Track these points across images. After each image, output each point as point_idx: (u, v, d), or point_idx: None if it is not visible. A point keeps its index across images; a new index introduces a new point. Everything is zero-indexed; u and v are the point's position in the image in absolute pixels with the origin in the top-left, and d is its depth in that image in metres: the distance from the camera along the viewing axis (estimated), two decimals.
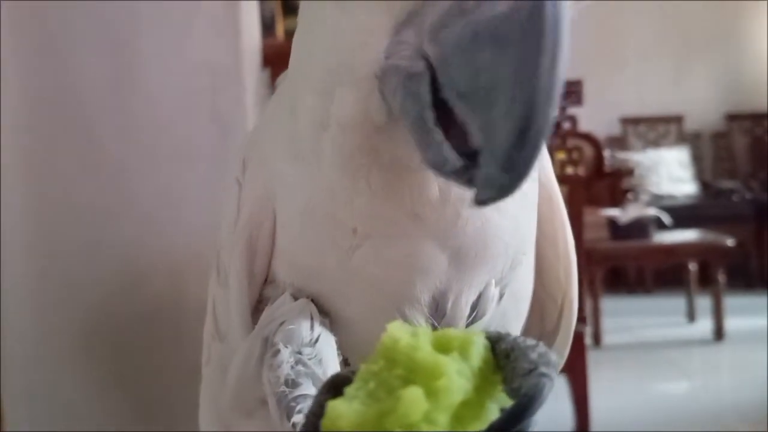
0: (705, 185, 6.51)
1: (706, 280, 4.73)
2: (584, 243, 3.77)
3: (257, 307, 0.83)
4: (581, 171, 2.74)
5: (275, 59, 2.07)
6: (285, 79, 0.80)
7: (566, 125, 3.34)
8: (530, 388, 0.55)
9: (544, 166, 0.88)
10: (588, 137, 5.52)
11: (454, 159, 0.59)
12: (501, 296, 0.82)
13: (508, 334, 0.59)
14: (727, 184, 6.45)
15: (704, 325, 4.64)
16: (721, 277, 4.47)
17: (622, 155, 6.38)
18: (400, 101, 0.61)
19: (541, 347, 0.58)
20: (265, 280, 0.84)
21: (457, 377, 0.55)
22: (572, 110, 3.55)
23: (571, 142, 2.79)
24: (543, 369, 0.56)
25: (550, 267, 0.91)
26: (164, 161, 1.72)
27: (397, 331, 0.58)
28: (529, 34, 0.53)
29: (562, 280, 0.92)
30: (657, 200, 5.74)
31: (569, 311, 0.93)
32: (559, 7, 0.53)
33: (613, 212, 4.62)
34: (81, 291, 1.68)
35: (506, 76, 0.53)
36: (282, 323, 0.77)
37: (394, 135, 0.65)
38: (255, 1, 2.20)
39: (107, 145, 1.70)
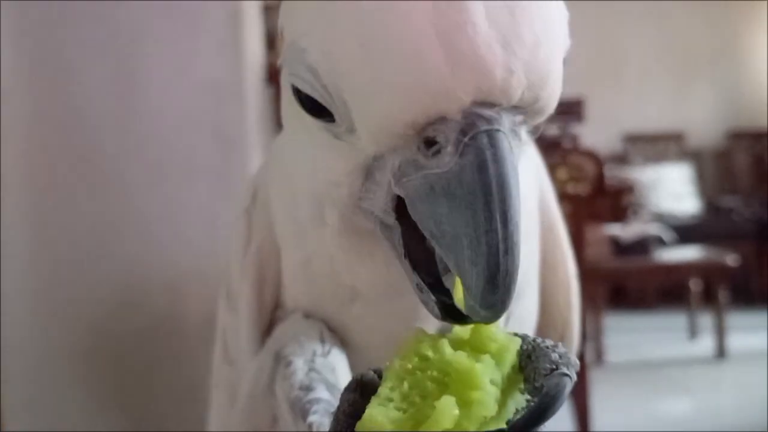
0: (706, 202, 6.51)
1: (708, 298, 4.72)
2: (586, 260, 3.77)
3: (268, 332, 0.85)
4: (583, 189, 2.74)
5: (279, 76, 2.07)
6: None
7: (567, 144, 3.34)
8: (552, 387, 0.56)
9: (545, 196, 0.89)
10: (589, 154, 5.51)
11: (432, 305, 0.61)
12: (506, 323, 0.82)
13: (527, 336, 0.60)
14: (728, 201, 6.45)
15: (706, 343, 4.63)
16: (723, 295, 4.46)
17: (623, 172, 6.38)
18: (379, 235, 0.64)
19: (561, 347, 0.59)
20: (275, 306, 0.85)
21: (491, 388, 0.56)
22: (574, 128, 3.55)
23: (573, 160, 2.79)
24: (564, 369, 0.57)
25: (551, 294, 0.92)
26: (166, 178, 1.72)
27: (424, 333, 0.59)
28: (476, 194, 0.54)
29: (563, 307, 0.93)
30: (658, 217, 5.74)
31: (570, 338, 0.95)
32: (503, 162, 0.54)
33: (614, 229, 4.62)
34: (81, 307, 1.68)
35: (464, 230, 0.55)
36: (293, 337, 0.78)
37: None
38: (258, 17, 2.21)
39: (109, 161, 1.70)
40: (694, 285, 4.87)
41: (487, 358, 0.57)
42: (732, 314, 4.62)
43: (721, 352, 4.44)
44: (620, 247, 4.49)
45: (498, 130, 0.55)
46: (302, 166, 0.69)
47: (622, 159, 6.66)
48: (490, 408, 0.55)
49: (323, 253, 0.74)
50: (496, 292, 0.55)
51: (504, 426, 0.56)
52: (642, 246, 4.50)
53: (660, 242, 4.64)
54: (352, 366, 0.80)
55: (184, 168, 1.71)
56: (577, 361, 0.59)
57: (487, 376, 0.56)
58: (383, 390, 0.57)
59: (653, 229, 4.72)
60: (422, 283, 0.61)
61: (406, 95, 0.55)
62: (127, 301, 1.70)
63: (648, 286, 5.84)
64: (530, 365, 0.58)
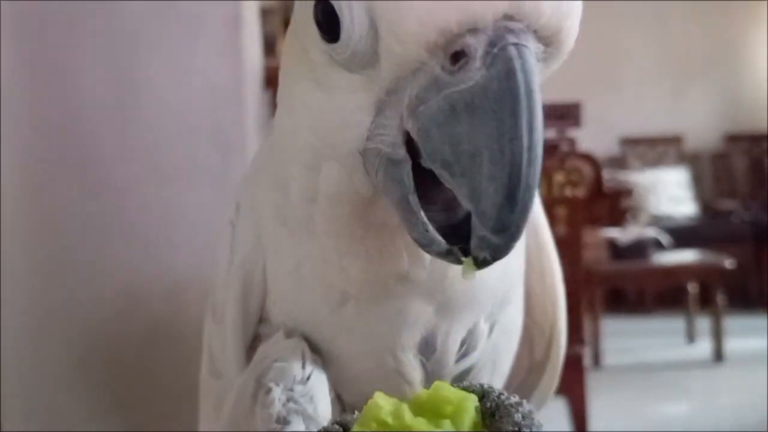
0: (704, 206, 6.52)
1: (705, 301, 4.72)
2: (584, 264, 3.77)
3: (252, 344, 0.85)
4: (580, 192, 2.75)
5: (277, 80, 2.08)
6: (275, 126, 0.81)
7: (565, 147, 3.35)
8: None
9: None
10: (587, 157, 5.53)
11: (439, 241, 0.60)
12: (491, 331, 0.83)
13: (493, 390, 0.59)
14: (726, 204, 6.46)
15: (704, 347, 4.63)
16: (721, 299, 4.46)
17: (621, 175, 6.40)
18: (382, 183, 0.63)
19: (525, 407, 0.58)
20: (260, 319, 0.86)
21: None
22: (571, 132, 3.56)
23: (570, 164, 2.80)
24: (526, 430, 0.56)
25: (538, 299, 0.93)
26: (164, 183, 1.72)
27: (384, 399, 0.58)
28: (504, 102, 0.55)
29: (550, 312, 0.94)
30: (656, 221, 5.75)
31: (557, 342, 0.95)
32: (530, 72, 0.55)
33: (612, 232, 4.63)
34: (79, 311, 1.68)
35: (486, 143, 0.55)
36: (274, 362, 0.78)
37: (384, 203, 0.66)
38: (257, 22, 2.21)
39: (107, 166, 1.70)
40: (692, 288, 4.87)
41: (446, 423, 0.56)
42: (730, 317, 4.63)
43: (718, 356, 4.44)
44: (618, 251, 4.49)
45: (526, 46, 0.56)
46: (303, 121, 0.68)
47: (619, 163, 6.67)
48: None
49: (314, 254, 0.75)
50: (514, 208, 0.55)
51: None
52: (640, 249, 4.50)
53: (658, 245, 4.65)
54: (336, 382, 0.81)
55: (183, 172, 1.71)
56: (541, 423, 0.58)
57: None
58: None
59: (651, 232, 4.72)
60: (427, 222, 0.61)
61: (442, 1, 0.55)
62: (125, 305, 1.69)
63: (646, 290, 5.85)
64: (494, 425, 0.57)
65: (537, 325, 0.94)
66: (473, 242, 0.58)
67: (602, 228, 4.75)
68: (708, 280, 4.63)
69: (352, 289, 0.75)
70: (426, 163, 0.60)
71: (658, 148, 6.79)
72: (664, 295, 5.70)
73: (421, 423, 0.56)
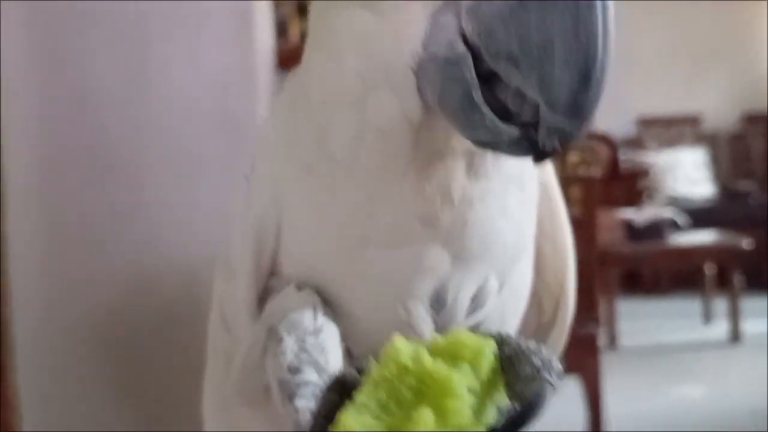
0: (722, 187, 6.46)
1: (722, 283, 4.69)
2: (599, 245, 3.74)
3: (263, 298, 0.86)
4: (595, 172, 2.73)
5: (289, 62, 2.07)
6: (295, 78, 0.82)
7: None
8: (532, 393, 0.57)
9: (545, 168, 0.90)
10: (603, 138, 5.48)
11: (509, 129, 0.62)
12: (501, 288, 0.84)
13: (511, 337, 0.61)
14: (744, 186, 6.39)
15: (720, 328, 4.61)
16: (738, 280, 4.43)
17: (638, 156, 6.34)
18: (439, 90, 0.64)
19: (544, 352, 0.59)
20: (271, 273, 0.87)
21: (468, 396, 0.56)
22: None
23: (585, 143, 2.78)
24: (545, 375, 0.57)
25: (548, 262, 0.93)
26: (177, 164, 1.73)
27: (403, 342, 0.59)
28: None
29: (560, 275, 0.95)
30: (673, 201, 5.70)
31: (565, 305, 0.96)
32: None
33: (628, 213, 4.59)
34: (93, 293, 1.70)
35: (559, 30, 0.57)
36: (286, 313, 0.79)
37: (430, 132, 0.67)
38: (269, 3, 2.21)
39: (120, 148, 1.71)
40: (709, 269, 4.83)
41: (465, 366, 0.57)
42: (747, 299, 4.59)
43: (735, 337, 4.42)
44: (634, 232, 4.46)
45: None
46: (350, 49, 0.68)
47: (636, 143, 6.61)
48: (466, 416, 0.55)
49: (341, 200, 0.75)
50: (589, 90, 0.57)
51: (482, 431, 0.56)
52: (656, 230, 4.47)
53: (674, 226, 4.61)
54: (346, 335, 0.81)
55: (195, 156, 1.72)
56: (560, 366, 0.59)
57: (464, 385, 0.56)
58: (360, 397, 0.58)
59: (668, 213, 4.68)
60: (493, 115, 0.62)
61: None
62: (139, 287, 1.71)
63: (662, 271, 5.81)
64: (511, 369, 0.58)
65: (546, 287, 0.95)
66: (541, 132, 0.59)
67: (618, 209, 4.72)
68: (725, 261, 4.60)
69: (374, 234, 0.75)
70: (487, 63, 0.60)
71: (676, 129, 6.72)
72: (680, 276, 5.67)
73: (440, 367, 0.57)
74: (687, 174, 6.35)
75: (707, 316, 4.87)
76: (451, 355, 0.58)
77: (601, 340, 3.04)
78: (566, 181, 2.87)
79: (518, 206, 0.77)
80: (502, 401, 0.58)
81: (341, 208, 0.76)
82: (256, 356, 0.81)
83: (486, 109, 0.62)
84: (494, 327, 0.86)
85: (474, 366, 0.58)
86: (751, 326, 4.49)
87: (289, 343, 0.75)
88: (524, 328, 0.96)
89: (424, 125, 0.67)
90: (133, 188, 1.71)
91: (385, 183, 0.72)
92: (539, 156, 0.63)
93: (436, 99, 0.65)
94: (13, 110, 1.61)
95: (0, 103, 1.58)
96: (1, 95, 1.58)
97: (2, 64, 1.59)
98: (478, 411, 0.57)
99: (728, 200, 6.26)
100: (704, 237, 4.73)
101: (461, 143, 0.68)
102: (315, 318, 0.78)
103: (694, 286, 5.10)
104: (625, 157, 5.99)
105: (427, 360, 0.57)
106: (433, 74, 0.64)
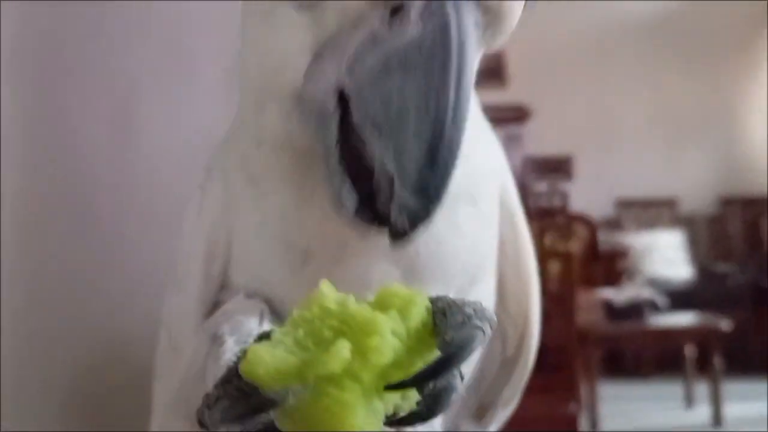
0: (700, 268, 6.49)
1: (703, 365, 4.65)
2: (579, 324, 3.72)
3: (212, 312, 0.82)
4: (573, 247, 2.73)
5: None
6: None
7: (557, 201, 3.36)
8: (461, 338, 0.54)
9: (507, 189, 0.89)
10: (582, 219, 5.54)
11: (349, 204, 0.61)
12: None
13: (445, 296, 0.58)
14: (722, 267, 6.43)
15: (703, 412, 4.54)
16: (719, 362, 4.40)
17: (616, 237, 6.39)
18: (314, 130, 0.64)
19: (478, 304, 0.57)
20: (221, 286, 0.84)
21: (391, 337, 0.53)
22: (563, 186, 3.57)
23: (562, 220, 2.79)
24: (476, 321, 0.56)
25: (512, 288, 0.90)
26: (158, 225, 1.69)
27: (330, 288, 0.57)
28: (435, 57, 0.56)
29: (523, 302, 0.91)
30: (652, 282, 5.71)
31: (529, 337, 0.93)
32: (465, 30, 0.57)
33: (608, 293, 4.59)
34: (70, 347, 1.64)
35: (414, 98, 0.56)
36: (231, 317, 0.75)
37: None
38: None
39: (102, 207, 1.68)
40: (689, 351, 4.80)
41: (393, 312, 0.55)
42: (728, 382, 4.55)
43: (717, 421, 4.35)
44: (614, 312, 4.46)
45: (464, 4, 0.57)
46: (251, 58, 0.70)
47: (615, 224, 6.67)
48: (387, 357, 0.52)
49: (274, 210, 0.74)
50: (435, 167, 0.56)
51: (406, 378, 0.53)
52: (636, 310, 4.46)
53: (654, 307, 4.61)
54: None
55: (177, 216, 1.69)
56: (494, 317, 0.58)
57: (388, 327, 0.53)
58: (276, 335, 0.54)
59: (647, 293, 4.68)
60: (345, 180, 0.61)
61: None
62: (117, 343, 1.67)
63: (643, 353, 5.77)
64: (443, 321, 0.56)
65: (510, 318, 0.92)
66: (393, 208, 0.58)
67: (598, 289, 4.72)
68: (705, 343, 4.58)
69: (314, 246, 0.73)
70: (357, 126, 0.60)
71: (653, 210, 6.81)
72: (661, 358, 5.63)
73: (365, 309, 0.54)
74: (665, 255, 6.40)
75: (689, 400, 4.81)
76: (380, 304, 0.56)
77: (583, 424, 2.98)
78: (544, 257, 2.87)
79: (470, 222, 0.76)
80: (431, 355, 0.54)
81: (282, 222, 0.74)
82: (198, 365, 0.76)
83: (339, 172, 0.61)
84: None
85: (403, 314, 0.55)
86: (733, 410, 4.43)
87: (230, 344, 0.70)
88: (488, 362, 0.93)
89: (315, 149, 0.66)
90: (114, 248, 1.68)
91: (298, 194, 0.71)
92: (393, 235, 0.61)
93: (312, 136, 0.65)
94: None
95: None
96: None
97: None
98: (405, 358, 0.53)
99: (706, 282, 6.28)
100: (684, 319, 4.73)
101: None
102: (261, 323, 0.74)
103: (675, 368, 5.05)
104: (604, 238, 6.04)
105: (353, 303, 0.55)
106: (308, 114, 0.64)
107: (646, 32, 6.81)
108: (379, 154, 0.58)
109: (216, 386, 0.57)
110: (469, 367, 0.86)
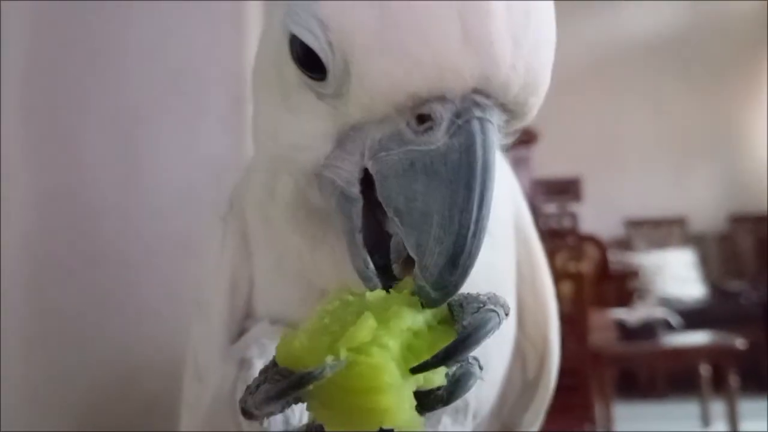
0: (712, 287, 6.46)
1: (718, 384, 4.62)
2: (593, 345, 3.71)
3: (237, 340, 0.85)
4: (585, 268, 2.74)
5: None
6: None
7: (567, 223, 3.36)
8: (477, 320, 0.58)
9: (521, 213, 0.91)
10: (592, 239, 5.53)
11: (376, 281, 0.62)
12: None
13: (462, 292, 0.61)
14: (734, 285, 6.40)
15: (719, 431, 4.49)
16: (734, 381, 4.36)
17: (627, 257, 6.37)
18: (333, 209, 0.65)
19: (491, 293, 0.61)
20: (246, 315, 0.86)
21: (408, 309, 0.58)
22: (572, 207, 3.58)
23: (572, 241, 2.80)
24: (491, 306, 0.59)
25: (530, 312, 0.92)
26: (165, 256, 1.72)
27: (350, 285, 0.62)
28: (460, 174, 0.57)
29: (541, 325, 0.93)
30: (664, 302, 5.68)
31: (550, 358, 0.94)
32: (489, 149, 0.58)
33: (620, 313, 4.57)
34: (75, 383, 1.65)
35: (438, 207, 0.57)
36: (258, 342, 0.78)
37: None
38: None
39: (109, 237, 1.70)
40: (704, 371, 4.77)
41: (405, 293, 0.60)
42: (744, 400, 4.51)
43: None
44: (627, 332, 4.42)
45: (490, 121, 0.58)
46: (267, 130, 0.69)
47: (625, 244, 6.66)
48: (407, 320, 0.57)
49: (292, 250, 0.76)
50: (454, 272, 0.57)
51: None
52: (649, 330, 4.43)
53: (667, 326, 4.58)
54: None
55: (183, 246, 1.71)
56: (508, 304, 0.61)
57: (404, 301, 0.58)
58: (303, 326, 0.59)
59: (660, 313, 4.66)
60: (369, 259, 0.62)
61: (416, 65, 0.56)
62: (122, 379, 1.67)
63: (657, 372, 5.73)
64: (460, 310, 0.59)
65: (529, 341, 0.94)
66: (416, 289, 0.60)
67: (610, 309, 4.70)
68: (720, 362, 4.54)
69: (329, 286, 0.73)
70: (383, 205, 0.61)
71: (663, 230, 6.79)
72: (676, 378, 5.58)
73: (381, 294, 0.60)
74: (677, 274, 6.37)
75: (705, 419, 4.77)
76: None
77: None
78: (555, 278, 2.87)
79: (486, 247, 0.79)
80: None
81: (298, 261, 0.76)
82: (225, 393, 0.78)
83: (364, 252, 0.63)
84: None
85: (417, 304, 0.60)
86: (750, 428, 4.38)
87: (258, 365, 0.72)
88: (510, 385, 0.94)
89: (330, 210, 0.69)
90: (119, 278, 1.69)
91: (311, 241, 0.72)
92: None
93: (331, 212, 0.66)
94: (2, 191, 1.62)
95: None
96: None
97: None
98: (427, 342, 0.58)
99: (719, 300, 6.25)
100: (698, 337, 4.69)
101: None
102: None
103: (690, 387, 5.01)
104: (615, 258, 6.03)
105: (371, 294, 0.60)
106: (330, 195, 0.65)
107: (650, 54, 6.85)
108: (402, 238, 0.60)
109: (256, 377, 0.60)
110: (491, 387, 0.88)
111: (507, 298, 0.87)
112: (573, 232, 3.34)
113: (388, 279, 0.63)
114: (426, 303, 0.59)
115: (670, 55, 6.85)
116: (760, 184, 6.72)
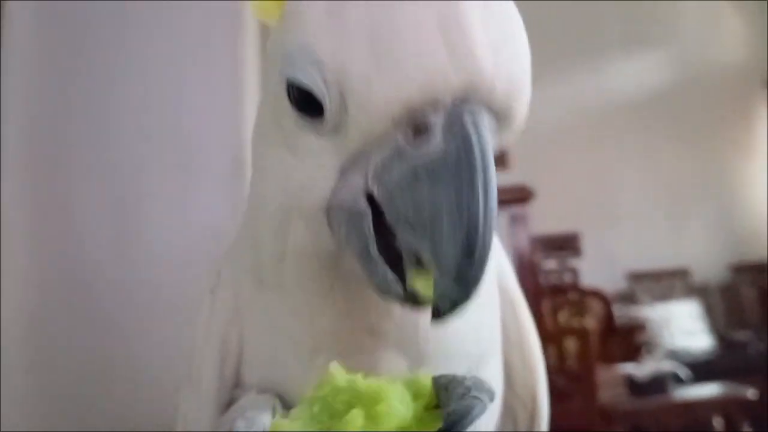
0: (719, 338, 6.40)
1: None
2: (601, 402, 3.65)
3: (226, 409, 0.86)
4: (589, 323, 2.72)
5: None
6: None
7: (568, 278, 3.36)
8: (462, 408, 0.60)
9: (504, 273, 0.93)
10: (596, 294, 5.50)
11: (397, 287, 0.65)
12: None
13: (447, 374, 0.64)
14: (741, 335, 6.34)
15: None
16: None
17: (632, 311, 6.33)
18: (344, 236, 0.68)
19: (477, 378, 0.63)
20: (235, 384, 0.88)
21: (398, 404, 0.59)
22: (573, 263, 3.58)
23: (575, 296, 2.79)
24: (475, 393, 0.61)
25: (518, 372, 0.94)
26: (161, 319, 1.71)
27: (341, 370, 0.64)
28: (462, 171, 0.61)
29: (530, 384, 0.94)
30: (672, 355, 5.62)
31: (539, 415, 0.96)
32: (485, 143, 0.62)
33: (629, 368, 4.52)
34: None
35: (447, 208, 0.61)
36: (244, 413, 0.78)
37: (349, 258, 0.70)
38: None
39: (105, 301, 1.70)
40: (718, 424, 4.68)
41: (398, 384, 0.61)
42: None
43: None
44: (636, 387, 4.37)
45: (482, 120, 0.62)
46: (273, 183, 0.73)
47: (629, 298, 6.62)
48: (395, 420, 0.58)
49: (286, 310, 0.78)
50: (472, 264, 0.60)
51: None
52: (659, 384, 4.38)
53: (676, 380, 4.52)
54: None
55: (180, 310, 1.70)
56: (493, 390, 0.63)
57: (395, 395, 0.60)
58: (293, 412, 0.60)
59: (668, 366, 4.60)
60: (387, 269, 0.65)
61: (408, 78, 0.61)
62: None
63: (669, 427, 5.62)
64: (446, 394, 0.61)
65: (519, 399, 0.95)
66: (435, 295, 0.62)
67: (618, 365, 4.65)
68: (732, 413, 4.47)
69: (323, 344, 0.76)
70: (390, 223, 0.64)
71: (666, 282, 6.76)
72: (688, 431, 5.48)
73: (373, 382, 0.61)
74: (683, 327, 6.32)
75: None
76: (387, 381, 0.62)
77: None
78: (559, 334, 2.85)
79: (475, 310, 0.80)
80: (437, 427, 0.60)
81: (290, 319, 0.78)
82: None
83: (381, 263, 0.66)
84: None
85: (408, 387, 0.61)
86: None
87: None
88: None
89: (344, 252, 0.70)
90: (117, 342, 1.68)
91: (316, 298, 0.74)
92: (435, 315, 0.65)
93: (342, 242, 0.69)
94: (4, 251, 1.62)
95: None
96: None
97: None
98: (413, 429, 0.59)
99: (726, 351, 6.18)
100: (709, 390, 4.63)
101: None
102: (273, 417, 0.77)
103: None
104: (620, 312, 5.99)
105: (361, 381, 0.62)
106: (339, 221, 0.68)
107: (640, 107, 6.95)
108: (417, 248, 0.63)
109: None
110: None
111: (494, 359, 0.90)
112: (575, 287, 3.33)
113: (406, 290, 0.65)
114: (450, 304, 0.62)
115: (660, 107, 6.95)
116: (759, 232, 6.73)
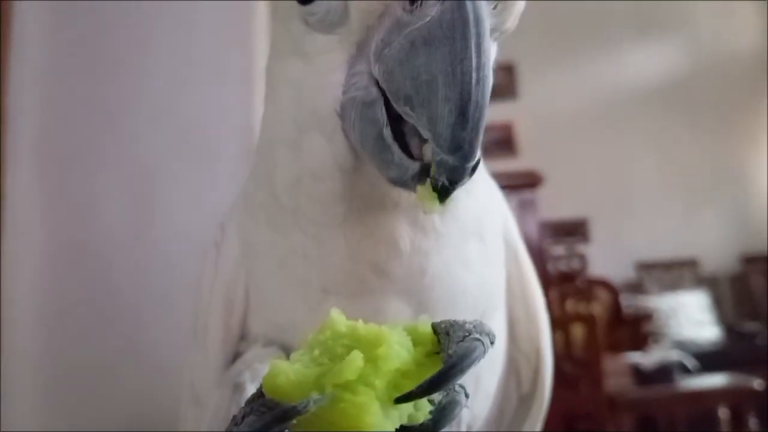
0: (727, 328, 6.39)
1: (738, 427, 4.52)
2: (608, 390, 3.65)
3: (232, 363, 0.86)
4: (596, 310, 2.71)
5: None
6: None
7: (576, 264, 3.35)
8: (463, 349, 0.59)
9: (509, 227, 0.93)
10: (603, 283, 5.50)
11: (412, 165, 0.65)
12: None
13: (448, 319, 0.63)
14: (749, 326, 6.33)
15: None
16: (754, 423, 4.28)
17: (640, 300, 6.32)
18: (359, 130, 0.68)
19: (477, 322, 0.62)
20: (240, 336, 0.88)
21: (398, 347, 0.59)
22: (581, 249, 3.56)
23: (582, 283, 2.78)
24: (476, 335, 0.61)
25: (522, 326, 0.94)
26: (177, 309, 1.72)
27: (341, 315, 0.63)
28: (455, 28, 0.61)
29: (534, 337, 0.94)
30: (679, 345, 5.62)
31: (543, 373, 0.95)
32: (479, 7, 0.62)
33: (635, 358, 4.52)
34: None
35: (440, 67, 0.61)
36: (251, 366, 0.79)
37: (364, 179, 0.70)
38: None
39: (122, 294, 1.71)
40: (723, 414, 4.68)
41: (398, 328, 0.61)
42: None
43: None
44: (643, 376, 4.36)
45: None
46: (285, 95, 0.73)
47: (637, 287, 6.61)
48: (395, 362, 0.57)
49: (296, 249, 0.77)
50: (466, 125, 0.60)
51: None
52: (665, 373, 4.38)
53: (683, 369, 4.52)
54: None
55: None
56: (494, 332, 0.62)
57: (395, 339, 0.59)
58: (294, 355, 0.60)
59: (675, 356, 4.60)
60: (401, 151, 0.65)
61: None
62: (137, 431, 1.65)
63: (675, 417, 5.63)
64: (446, 338, 0.61)
65: (523, 354, 0.95)
66: (433, 169, 0.62)
67: (625, 354, 4.65)
68: (738, 404, 4.46)
69: (332, 285, 0.76)
70: (392, 102, 0.65)
71: (675, 272, 6.75)
72: (694, 422, 5.47)
73: (373, 327, 0.60)
74: (690, 317, 6.31)
75: None
76: (387, 326, 0.62)
77: None
78: (566, 321, 2.85)
79: (479, 258, 0.79)
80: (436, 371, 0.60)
81: (299, 260, 0.78)
82: (222, 414, 0.79)
83: (394, 146, 0.66)
84: (469, 383, 0.87)
85: (408, 332, 0.61)
86: None
87: (251, 389, 0.74)
88: (505, 400, 0.95)
89: (357, 173, 0.71)
90: (133, 333, 1.70)
91: (329, 230, 0.74)
92: (439, 193, 0.65)
93: (356, 139, 0.69)
94: (18, 246, 1.63)
95: (3, 239, 1.60)
96: (7, 231, 1.61)
97: (9, 201, 1.63)
98: (414, 373, 0.59)
99: (734, 342, 6.17)
100: (715, 380, 4.63)
101: (402, 197, 0.71)
102: None
103: (709, 431, 4.91)
104: (627, 301, 5.98)
105: (362, 326, 0.61)
106: (352, 116, 0.68)
107: (654, 96, 6.91)
108: (416, 124, 0.63)
109: (242, 406, 0.61)
110: (485, 399, 0.90)
111: (498, 312, 0.89)
112: (582, 273, 3.33)
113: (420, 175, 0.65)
114: (447, 177, 0.61)
115: (674, 97, 6.90)
116: None
